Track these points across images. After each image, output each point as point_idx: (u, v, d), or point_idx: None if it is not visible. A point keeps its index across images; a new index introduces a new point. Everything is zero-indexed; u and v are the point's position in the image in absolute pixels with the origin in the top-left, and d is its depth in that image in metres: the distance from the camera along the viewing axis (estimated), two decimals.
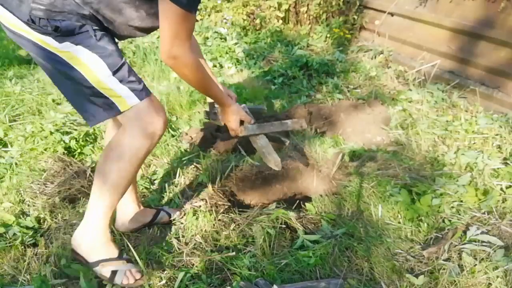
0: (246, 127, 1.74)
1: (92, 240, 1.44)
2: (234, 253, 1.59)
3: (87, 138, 2.44)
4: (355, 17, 4.47)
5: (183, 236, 1.74)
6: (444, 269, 1.50)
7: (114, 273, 1.43)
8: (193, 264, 1.59)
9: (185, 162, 2.24)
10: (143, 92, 1.30)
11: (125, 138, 1.32)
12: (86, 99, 1.29)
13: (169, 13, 1.19)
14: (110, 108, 1.29)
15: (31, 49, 1.26)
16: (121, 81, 1.27)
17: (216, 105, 1.82)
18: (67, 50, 1.22)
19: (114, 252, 1.47)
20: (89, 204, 1.43)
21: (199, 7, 1.37)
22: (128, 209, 1.71)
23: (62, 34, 1.19)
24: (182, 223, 1.82)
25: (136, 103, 1.28)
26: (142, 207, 1.77)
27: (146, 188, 2.05)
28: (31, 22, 1.18)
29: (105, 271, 1.43)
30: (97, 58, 1.23)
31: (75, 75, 1.25)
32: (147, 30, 1.38)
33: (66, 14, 1.18)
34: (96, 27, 1.25)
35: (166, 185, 2.05)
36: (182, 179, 2.09)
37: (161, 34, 1.24)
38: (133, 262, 1.51)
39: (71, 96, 1.35)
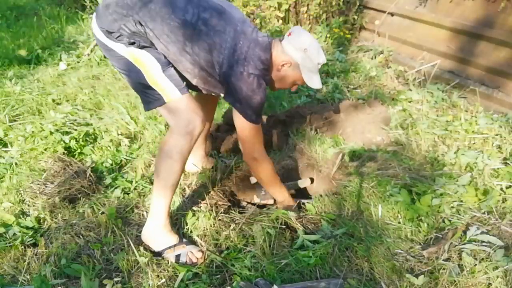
0: None
1: (156, 233, 1.66)
2: (233, 249, 1.60)
3: (87, 138, 2.45)
4: (355, 17, 4.47)
5: (183, 236, 1.74)
6: (444, 269, 1.50)
7: (178, 256, 1.61)
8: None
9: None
10: (184, 89, 1.55)
11: (170, 137, 1.57)
12: (143, 90, 1.58)
13: (245, 126, 1.64)
14: (157, 99, 1.55)
15: (105, 52, 1.57)
16: (168, 77, 1.52)
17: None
18: (132, 52, 1.50)
19: (175, 239, 1.67)
20: (152, 202, 1.66)
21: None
22: (196, 153, 2.15)
23: (138, 47, 1.49)
24: (182, 223, 1.82)
25: (178, 96, 1.53)
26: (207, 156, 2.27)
27: (146, 187, 2.05)
28: (109, 34, 1.48)
29: (170, 256, 1.62)
30: (153, 59, 1.51)
31: (136, 72, 1.52)
32: (194, 87, 1.69)
33: (145, 39, 1.50)
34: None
35: None
36: (182, 179, 2.09)
37: (242, 140, 1.70)
38: (192, 243, 1.68)
39: (134, 86, 1.62)
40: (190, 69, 1.58)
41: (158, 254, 1.65)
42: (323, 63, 1.66)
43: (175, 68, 1.58)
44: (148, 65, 1.51)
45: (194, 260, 1.60)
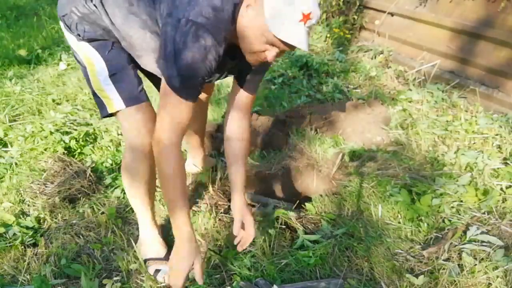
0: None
1: (143, 241, 1.60)
2: (234, 251, 1.59)
3: (87, 138, 2.44)
4: (355, 17, 4.47)
5: None
6: (444, 269, 1.50)
7: (157, 271, 1.52)
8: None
9: (185, 162, 2.24)
10: (133, 100, 1.34)
11: (125, 148, 1.44)
12: (92, 93, 1.41)
13: (165, 92, 1.17)
14: (102, 108, 1.38)
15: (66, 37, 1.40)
16: (114, 84, 1.33)
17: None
18: (82, 48, 1.34)
19: (161, 252, 1.57)
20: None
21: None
22: (196, 154, 2.08)
23: (84, 39, 1.32)
24: None
25: (121, 108, 1.34)
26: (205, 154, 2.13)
27: None
28: (64, 20, 1.34)
29: (150, 268, 1.54)
30: (101, 60, 1.33)
31: (85, 72, 1.38)
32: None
33: (95, 26, 1.31)
34: (117, 42, 1.35)
35: None
36: None
37: (157, 111, 1.24)
38: None
39: (88, 86, 1.44)
40: (141, 38, 1.29)
41: None
42: (312, 17, 1.06)
43: (132, 71, 1.36)
44: (95, 67, 1.33)
45: (167, 282, 1.45)
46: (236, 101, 1.47)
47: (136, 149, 1.40)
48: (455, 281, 1.45)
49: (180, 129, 1.21)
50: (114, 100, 1.34)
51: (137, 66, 1.41)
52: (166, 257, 1.55)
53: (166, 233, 1.72)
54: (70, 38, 1.37)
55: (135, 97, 1.34)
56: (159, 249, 1.59)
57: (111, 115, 1.38)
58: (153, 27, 1.25)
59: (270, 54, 1.15)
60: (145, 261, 1.58)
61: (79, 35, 1.31)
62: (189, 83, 1.15)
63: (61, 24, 1.38)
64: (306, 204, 1.93)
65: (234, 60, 1.29)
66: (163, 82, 1.17)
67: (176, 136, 1.20)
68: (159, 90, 1.66)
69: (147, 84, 1.50)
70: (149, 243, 1.60)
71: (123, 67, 1.34)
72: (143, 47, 1.31)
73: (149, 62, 1.35)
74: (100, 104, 1.38)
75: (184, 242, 1.25)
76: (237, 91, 1.46)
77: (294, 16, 1.05)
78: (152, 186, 1.52)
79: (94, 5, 1.28)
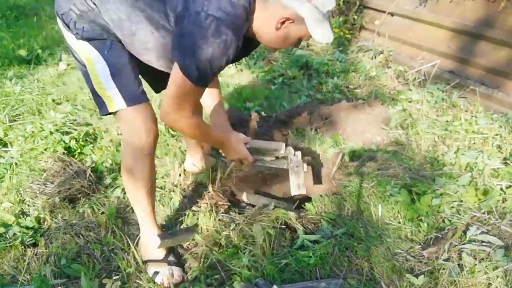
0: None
1: (143, 242, 1.60)
2: (233, 250, 1.59)
3: (87, 138, 2.44)
4: (355, 17, 4.47)
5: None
6: (444, 269, 1.50)
7: (155, 274, 1.52)
8: (193, 264, 1.60)
9: (185, 162, 2.24)
10: (134, 100, 1.36)
11: (124, 148, 1.45)
12: (92, 92, 1.41)
13: (178, 80, 1.23)
14: (102, 106, 1.39)
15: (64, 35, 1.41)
16: (116, 84, 1.34)
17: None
18: (81, 47, 1.35)
19: (159, 254, 1.56)
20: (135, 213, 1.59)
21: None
22: (195, 153, 2.10)
23: (82, 38, 1.33)
24: (182, 223, 1.82)
25: (123, 107, 1.35)
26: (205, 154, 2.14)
27: None
28: (62, 19, 1.34)
29: (150, 270, 1.55)
30: (101, 59, 1.33)
31: (84, 71, 1.39)
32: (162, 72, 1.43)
33: (94, 24, 1.32)
34: (116, 41, 1.36)
35: (166, 185, 2.05)
36: (182, 179, 2.09)
37: (166, 94, 1.29)
38: (178, 264, 1.58)
39: (87, 86, 1.43)
40: (149, 37, 1.30)
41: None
42: (333, 9, 1.29)
43: (133, 68, 1.38)
44: (96, 66, 1.34)
45: (166, 284, 1.49)
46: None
47: (136, 148, 1.40)
48: (455, 281, 1.45)
49: (194, 106, 1.33)
50: (115, 99, 1.35)
51: (136, 65, 1.41)
52: (165, 259, 1.56)
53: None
54: (69, 37, 1.37)
55: (137, 97, 1.36)
56: (159, 254, 1.58)
57: (111, 113, 1.39)
58: (162, 21, 1.25)
59: (299, 44, 1.39)
60: (145, 262, 1.58)
61: (77, 33, 1.32)
62: (206, 74, 1.22)
63: (59, 22, 1.38)
64: (306, 204, 1.93)
65: (242, 50, 1.35)
66: (177, 72, 1.21)
67: (191, 111, 1.31)
68: (154, 90, 1.72)
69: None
70: (148, 245, 1.59)
71: (123, 66, 1.35)
72: (147, 46, 1.32)
73: (152, 59, 1.37)
74: (100, 103, 1.39)
75: (227, 139, 1.60)
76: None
77: (325, 16, 1.27)
78: (152, 186, 1.52)
79: (93, 2, 1.29)
